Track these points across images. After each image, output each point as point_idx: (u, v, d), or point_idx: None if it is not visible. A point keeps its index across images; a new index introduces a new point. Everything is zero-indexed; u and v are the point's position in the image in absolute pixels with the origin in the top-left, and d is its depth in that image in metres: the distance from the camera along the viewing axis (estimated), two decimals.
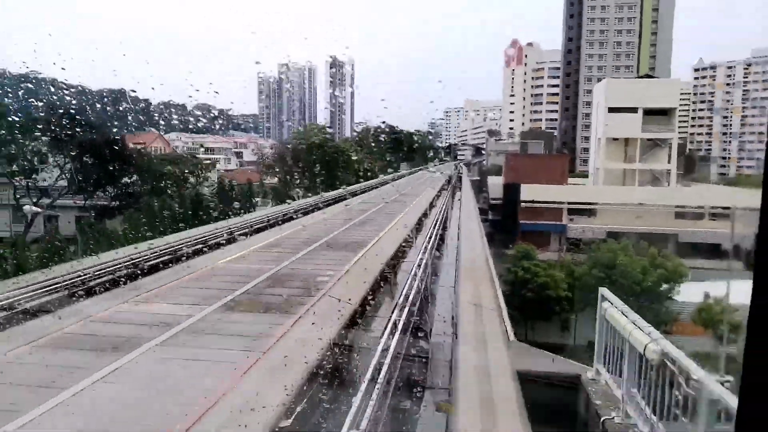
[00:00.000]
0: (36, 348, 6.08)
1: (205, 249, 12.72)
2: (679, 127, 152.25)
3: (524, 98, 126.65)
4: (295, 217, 19.59)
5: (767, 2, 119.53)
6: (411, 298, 6.80)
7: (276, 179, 53.81)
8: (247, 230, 15.83)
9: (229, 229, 15.14)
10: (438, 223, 14.87)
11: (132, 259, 10.47)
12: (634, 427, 4.27)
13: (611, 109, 53.77)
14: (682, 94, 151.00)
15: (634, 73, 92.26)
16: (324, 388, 5.40)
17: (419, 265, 8.34)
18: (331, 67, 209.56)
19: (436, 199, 25.64)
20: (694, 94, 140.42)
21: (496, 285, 10.47)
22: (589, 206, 49.90)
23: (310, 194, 37.14)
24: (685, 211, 51.40)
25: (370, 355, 5.16)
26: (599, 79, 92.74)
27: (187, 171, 54.44)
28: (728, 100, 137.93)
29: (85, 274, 9.15)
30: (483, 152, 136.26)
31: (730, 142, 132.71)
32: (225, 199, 46.65)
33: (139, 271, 10.03)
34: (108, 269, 9.73)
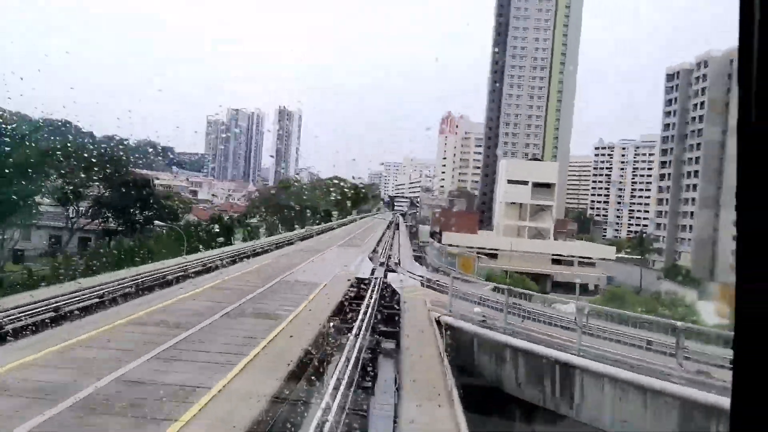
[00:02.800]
0: None
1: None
2: (581, 195, 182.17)
3: (453, 162, 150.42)
4: (313, 234, 36.76)
5: (655, 91, 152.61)
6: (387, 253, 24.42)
7: (257, 217, 70.22)
8: (291, 240, 32.82)
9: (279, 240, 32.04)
10: (392, 239, 32.83)
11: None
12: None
13: (509, 181, 75.38)
14: (583, 167, 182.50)
15: (540, 149, 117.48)
16: None
17: (389, 246, 25.99)
18: (279, 116, 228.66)
19: (387, 231, 43.80)
20: (595, 168, 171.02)
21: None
22: (491, 251, 69.88)
23: (297, 227, 54.14)
24: (560, 258, 72.58)
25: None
26: (513, 153, 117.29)
27: (181, 205, 69.78)
28: (621, 175, 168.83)
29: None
30: (417, 205, 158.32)
31: (621, 209, 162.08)
32: (223, 231, 62.20)
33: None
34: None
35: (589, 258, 74.75)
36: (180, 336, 9.45)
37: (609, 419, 7.84)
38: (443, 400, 6.92)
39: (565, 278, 68.15)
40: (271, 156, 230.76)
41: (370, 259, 22.87)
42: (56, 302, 11.30)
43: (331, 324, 10.82)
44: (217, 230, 58.74)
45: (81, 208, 57.79)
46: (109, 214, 58.80)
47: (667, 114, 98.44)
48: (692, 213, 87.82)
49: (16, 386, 6.77)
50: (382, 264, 21.37)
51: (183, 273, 17.21)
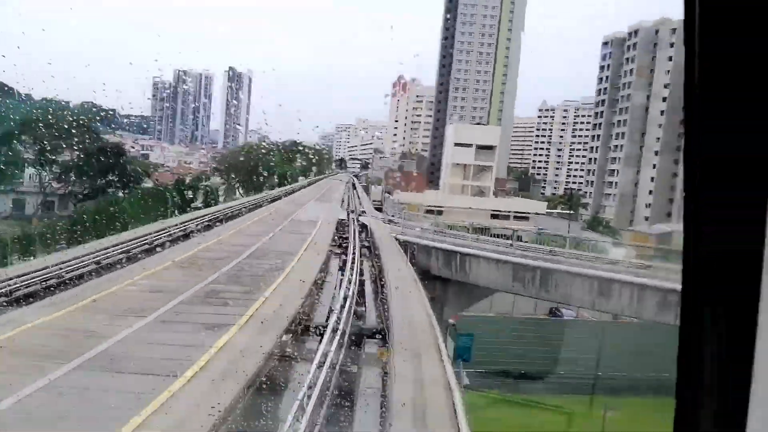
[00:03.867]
0: None
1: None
2: (524, 155, 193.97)
3: (405, 124, 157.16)
4: (285, 195, 42.99)
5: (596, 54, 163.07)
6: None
7: (220, 179, 75.20)
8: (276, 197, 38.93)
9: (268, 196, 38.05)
10: (352, 197, 39.63)
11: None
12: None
13: (456, 144, 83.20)
14: (528, 129, 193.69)
15: (487, 114, 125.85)
16: None
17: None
18: (228, 77, 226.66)
19: (346, 191, 50.71)
20: (538, 129, 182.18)
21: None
22: (438, 208, 78.02)
23: (266, 190, 59.99)
24: (498, 213, 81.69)
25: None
26: (461, 117, 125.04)
27: (142, 169, 73.64)
28: (561, 136, 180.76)
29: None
30: (369, 166, 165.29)
31: (560, 168, 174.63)
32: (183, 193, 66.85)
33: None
34: None
35: (524, 213, 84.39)
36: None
37: (484, 280, 15.23)
38: (402, 263, 14.11)
39: (501, 231, 77.42)
40: (223, 117, 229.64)
41: (344, 209, 29.78)
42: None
43: (335, 240, 18.05)
44: (191, 194, 63.75)
45: (50, 175, 60.97)
46: (77, 179, 62.38)
47: (600, 80, 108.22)
48: (617, 171, 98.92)
49: None
50: (353, 211, 28.33)
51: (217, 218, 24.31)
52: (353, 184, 73.08)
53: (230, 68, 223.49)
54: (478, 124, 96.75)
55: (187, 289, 11.82)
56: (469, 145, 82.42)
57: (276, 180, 78.58)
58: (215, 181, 76.05)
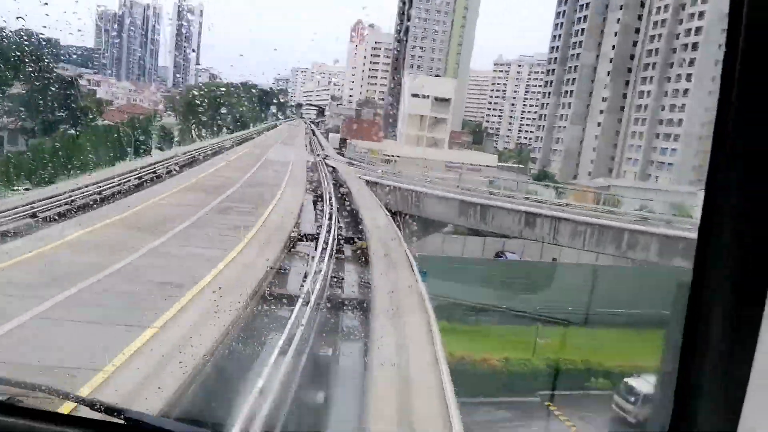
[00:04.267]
0: None
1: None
2: (479, 109, 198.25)
3: (363, 71, 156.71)
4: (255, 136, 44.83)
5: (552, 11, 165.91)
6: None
7: (175, 120, 75.17)
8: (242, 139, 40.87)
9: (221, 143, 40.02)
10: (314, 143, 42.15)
11: None
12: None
13: (413, 95, 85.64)
14: (483, 82, 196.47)
15: (444, 65, 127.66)
16: None
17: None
18: (178, 10, 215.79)
19: (306, 137, 53.01)
20: (493, 84, 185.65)
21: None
22: (394, 156, 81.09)
23: (225, 132, 60.95)
24: (452, 164, 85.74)
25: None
26: (419, 66, 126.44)
27: (95, 106, 72.60)
28: (516, 91, 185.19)
29: None
30: (326, 113, 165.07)
31: (513, 123, 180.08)
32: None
33: None
34: None
35: (477, 165, 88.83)
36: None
37: (434, 213, 18.67)
38: (366, 191, 17.47)
39: (455, 182, 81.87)
40: (170, 52, 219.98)
41: (310, 152, 32.49)
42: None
43: (309, 176, 21.14)
44: (144, 135, 63.80)
45: None
46: (27, 115, 61.17)
47: (554, 37, 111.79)
48: (564, 128, 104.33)
49: None
50: (318, 155, 31.01)
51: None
52: (312, 131, 74.94)
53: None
54: (436, 76, 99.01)
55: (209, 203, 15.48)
56: (426, 97, 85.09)
57: (235, 123, 79.10)
58: (169, 122, 76.13)
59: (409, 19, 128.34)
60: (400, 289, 9.97)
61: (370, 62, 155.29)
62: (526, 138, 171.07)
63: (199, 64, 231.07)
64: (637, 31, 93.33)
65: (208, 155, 29.53)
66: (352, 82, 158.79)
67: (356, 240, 12.76)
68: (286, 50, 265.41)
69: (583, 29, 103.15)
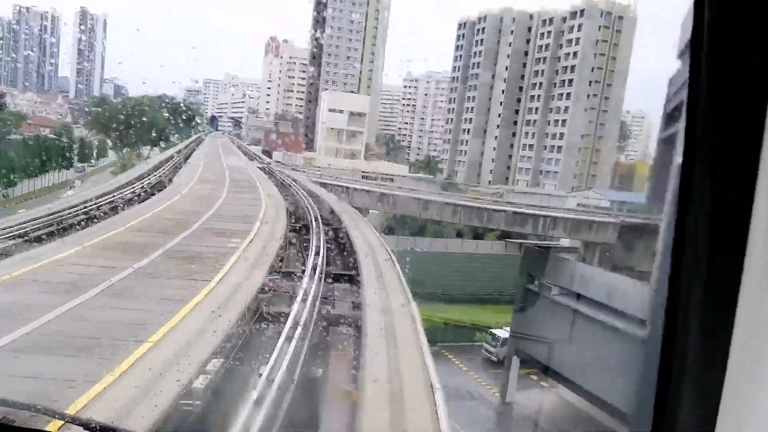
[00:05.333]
0: None
1: None
2: (391, 122, 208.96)
3: (279, 84, 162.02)
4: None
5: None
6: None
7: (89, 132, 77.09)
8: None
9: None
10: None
11: None
12: None
13: (330, 110, 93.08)
14: (395, 97, 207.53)
15: (357, 81, 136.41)
16: None
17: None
18: (79, 18, 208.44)
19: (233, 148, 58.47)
20: (403, 98, 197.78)
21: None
22: (323, 166, 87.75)
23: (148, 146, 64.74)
24: (367, 174, 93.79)
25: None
26: (334, 82, 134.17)
27: (14, 119, 73.41)
28: (425, 106, 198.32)
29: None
30: (242, 125, 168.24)
31: (423, 136, 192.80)
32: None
33: None
34: None
35: (390, 175, 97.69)
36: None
37: (361, 203, 26.02)
38: (319, 189, 24.58)
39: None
40: (70, 63, 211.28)
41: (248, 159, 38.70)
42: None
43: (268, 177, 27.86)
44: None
45: None
46: None
47: (456, 58, 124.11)
48: (467, 141, 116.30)
49: None
50: (266, 162, 37.52)
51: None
52: (239, 146, 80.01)
53: (82, 8, 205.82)
54: (351, 92, 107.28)
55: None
56: (342, 112, 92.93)
57: (154, 136, 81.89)
58: (82, 135, 78.04)
59: (323, 37, 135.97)
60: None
61: (286, 76, 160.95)
62: (435, 150, 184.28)
63: (104, 75, 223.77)
64: (526, 54, 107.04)
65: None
66: (269, 95, 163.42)
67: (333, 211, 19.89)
68: (196, 61, 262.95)
69: (480, 51, 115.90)
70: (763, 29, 1.08)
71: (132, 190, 23.76)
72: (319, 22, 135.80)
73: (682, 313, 1.31)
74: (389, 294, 11.22)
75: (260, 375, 6.78)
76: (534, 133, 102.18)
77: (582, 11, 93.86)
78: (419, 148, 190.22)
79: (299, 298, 9.92)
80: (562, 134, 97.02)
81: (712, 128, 1.19)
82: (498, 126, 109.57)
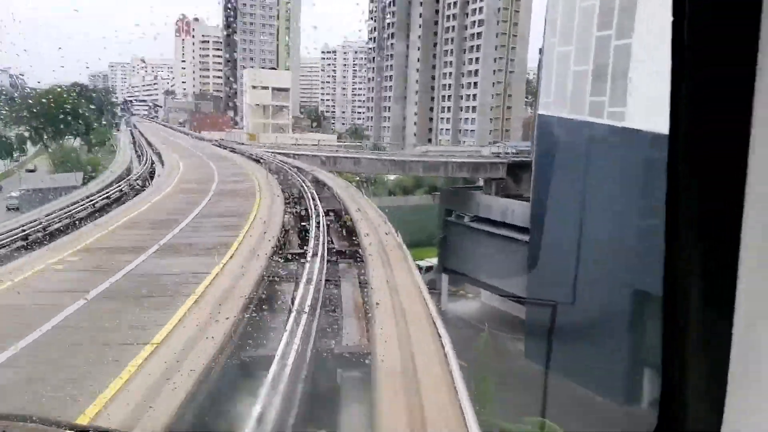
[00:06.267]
0: None
1: None
2: (313, 94, 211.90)
3: (193, 65, 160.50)
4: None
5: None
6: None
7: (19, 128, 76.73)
8: None
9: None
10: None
11: None
12: None
13: (253, 87, 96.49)
14: (314, 70, 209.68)
15: (275, 56, 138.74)
16: None
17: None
18: None
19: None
20: (323, 70, 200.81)
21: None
22: (243, 144, 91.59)
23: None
24: (297, 145, 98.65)
25: None
26: (252, 59, 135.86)
27: None
28: (344, 77, 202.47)
29: None
30: (159, 108, 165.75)
31: (346, 105, 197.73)
32: None
33: None
34: None
35: (314, 145, 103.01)
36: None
37: (306, 165, 32.11)
38: (272, 157, 30.46)
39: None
40: None
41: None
42: None
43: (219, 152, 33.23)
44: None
45: None
46: None
47: (371, 30, 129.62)
48: (390, 108, 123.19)
49: None
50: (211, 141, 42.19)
51: None
52: (168, 127, 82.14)
53: None
54: (271, 68, 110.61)
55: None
56: (266, 88, 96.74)
57: (79, 127, 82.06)
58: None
59: (235, 14, 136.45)
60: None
61: (200, 55, 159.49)
62: (359, 118, 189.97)
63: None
64: (436, 23, 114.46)
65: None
66: (184, 75, 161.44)
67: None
68: (96, 45, 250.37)
69: (393, 23, 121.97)
70: (748, 19, 1.07)
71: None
72: (230, 1, 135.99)
73: (680, 312, 1.32)
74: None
75: None
76: (450, 96, 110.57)
77: None
78: (344, 117, 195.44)
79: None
80: (475, 95, 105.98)
81: (698, 123, 1.19)
82: (416, 92, 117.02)
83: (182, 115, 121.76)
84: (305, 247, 12.30)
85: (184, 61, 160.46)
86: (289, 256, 12.23)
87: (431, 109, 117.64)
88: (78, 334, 7.93)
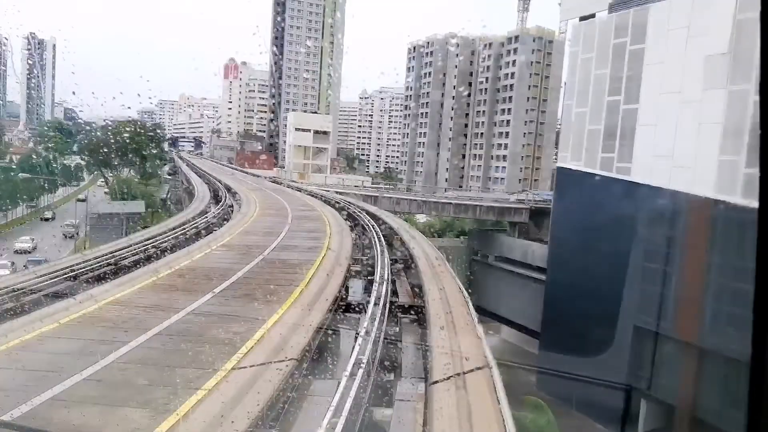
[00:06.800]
0: None
1: None
2: (349, 137, 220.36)
3: (239, 105, 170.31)
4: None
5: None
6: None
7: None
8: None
9: None
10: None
11: None
12: None
13: (296, 129, 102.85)
14: (351, 114, 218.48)
15: (316, 100, 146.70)
16: None
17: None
18: (27, 43, 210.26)
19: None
20: (360, 114, 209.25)
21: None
22: (294, 181, 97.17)
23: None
24: (344, 185, 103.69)
25: None
26: (294, 102, 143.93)
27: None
28: (381, 120, 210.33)
29: None
30: (203, 145, 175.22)
31: (380, 149, 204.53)
32: None
33: None
34: None
35: (356, 186, 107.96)
36: None
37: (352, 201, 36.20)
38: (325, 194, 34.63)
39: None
40: (17, 82, 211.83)
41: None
42: None
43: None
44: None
45: None
46: None
47: (408, 79, 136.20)
48: (423, 153, 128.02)
49: None
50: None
51: None
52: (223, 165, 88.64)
53: (31, 33, 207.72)
54: (315, 112, 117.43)
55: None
56: (308, 131, 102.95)
57: (136, 159, 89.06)
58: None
59: (281, 59, 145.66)
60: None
61: (246, 97, 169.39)
62: (392, 161, 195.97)
63: (54, 100, 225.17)
64: (471, 74, 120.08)
65: None
66: (229, 115, 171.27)
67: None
68: (147, 82, 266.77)
69: (430, 72, 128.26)
70: None
71: None
72: (278, 47, 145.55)
73: None
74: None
75: None
76: (482, 144, 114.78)
77: (516, 37, 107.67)
78: (378, 160, 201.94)
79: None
80: (506, 144, 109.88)
81: None
82: (450, 139, 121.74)
83: (227, 152, 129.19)
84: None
85: (230, 102, 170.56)
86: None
87: (463, 156, 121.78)
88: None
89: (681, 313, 21.50)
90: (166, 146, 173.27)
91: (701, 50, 22.19)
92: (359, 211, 27.06)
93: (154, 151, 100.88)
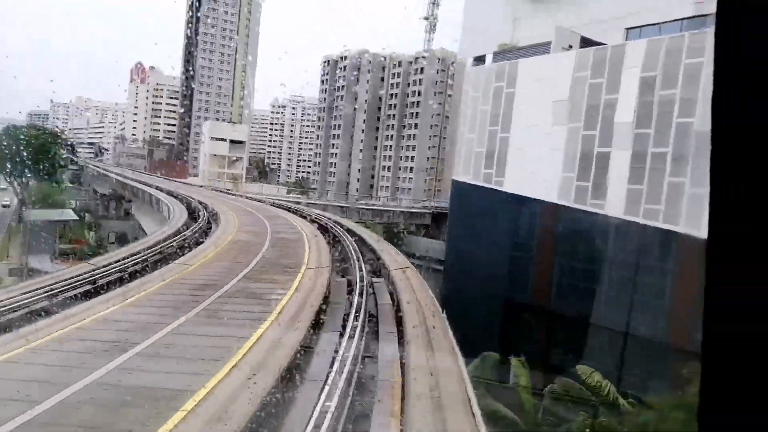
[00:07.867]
0: None
1: None
2: (260, 146, 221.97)
3: (146, 111, 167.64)
4: None
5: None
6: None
7: None
8: None
9: None
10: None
11: None
12: None
13: (212, 138, 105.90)
14: (262, 123, 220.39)
15: (228, 108, 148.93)
16: None
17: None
18: None
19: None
20: (271, 123, 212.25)
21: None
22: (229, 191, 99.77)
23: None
24: (248, 195, 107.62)
25: None
26: (207, 109, 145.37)
27: None
28: (292, 130, 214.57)
29: None
30: (104, 152, 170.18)
31: (291, 159, 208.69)
32: None
33: None
34: None
35: (271, 195, 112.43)
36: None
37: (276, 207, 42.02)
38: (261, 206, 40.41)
39: None
40: None
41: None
42: None
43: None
44: None
45: None
46: None
47: (321, 91, 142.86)
48: (335, 164, 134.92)
49: None
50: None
51: None
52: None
53: None
54: (230, 121, 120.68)
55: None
56: (224, 140, 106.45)
57: (48, 168, 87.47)
58: None
59: (194, 66, 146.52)
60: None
61: (153, 102, 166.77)
62: (304, 172, 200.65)
63: None
64: (382, 89, 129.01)
65: None
66: (135, 121, 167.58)
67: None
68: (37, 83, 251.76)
69: (342, 86, 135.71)
70: None
71: None
72: (192, 53, 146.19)
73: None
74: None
75: None
76: (391, 156, 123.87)
77: (423, 57, 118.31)
78: (288, 170, 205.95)
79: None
80: (413, 157, 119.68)
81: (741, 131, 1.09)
82: (361, 150, 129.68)
83: (135, 160, 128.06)
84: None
85: (136, 107, 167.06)
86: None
87: (373, 167, 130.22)
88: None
89: (537, 286, 30.07)
90: (63, 153, 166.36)
91: (550, 96, 31.16)
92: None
93: (64, 157, 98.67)
